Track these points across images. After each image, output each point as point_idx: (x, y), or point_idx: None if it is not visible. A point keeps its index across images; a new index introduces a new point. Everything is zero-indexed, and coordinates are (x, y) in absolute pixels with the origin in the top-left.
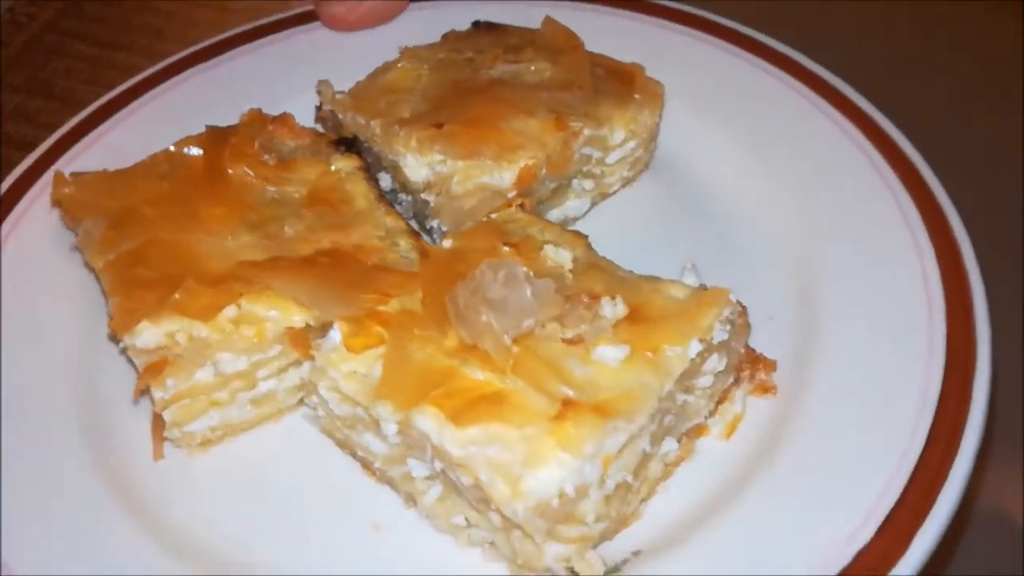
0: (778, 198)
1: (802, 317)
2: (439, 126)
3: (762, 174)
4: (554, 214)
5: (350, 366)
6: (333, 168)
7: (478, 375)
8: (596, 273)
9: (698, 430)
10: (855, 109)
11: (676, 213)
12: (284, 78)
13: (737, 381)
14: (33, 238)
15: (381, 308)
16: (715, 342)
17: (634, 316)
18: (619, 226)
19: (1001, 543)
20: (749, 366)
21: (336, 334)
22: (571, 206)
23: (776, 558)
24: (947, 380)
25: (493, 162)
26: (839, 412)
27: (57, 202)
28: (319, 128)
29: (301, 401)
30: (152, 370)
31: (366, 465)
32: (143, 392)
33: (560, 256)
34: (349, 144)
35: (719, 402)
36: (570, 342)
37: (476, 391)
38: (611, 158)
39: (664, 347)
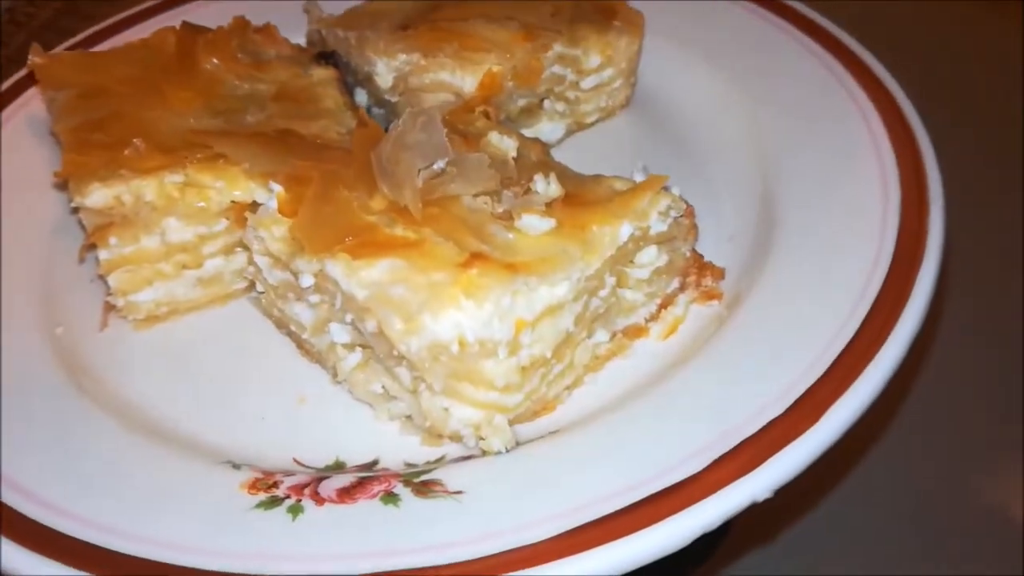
0: (752, 133)
1: (760, 236)
2: (404, 28)
3: (741, 112)
4: (527, 134)
5: (282, 230)
6: (310, 76)
7: (397, 231)
8: (543, 168)
9: (636, 330)
10: (832, 40)
11: (651, 147)
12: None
13: (683, 287)
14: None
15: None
16: (652, 232)
17: (569, 200)
18: (592, 156)
19: (1001, 543)
20: (695, 272)
21: (272, 202)
22: (544, 129)
23: (686, 435)
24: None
25: (453, 61)
26: (775, 311)
27: (30, 70)
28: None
29: (251, 288)
30: (99, 231)
31: (299, 343)
32: (89, 249)
33: (504, 144)
34: (328, 57)
35: (662, 306)
36: (499, 216)
37: (391, 240)
38: (586, 83)
39: (592, 226)
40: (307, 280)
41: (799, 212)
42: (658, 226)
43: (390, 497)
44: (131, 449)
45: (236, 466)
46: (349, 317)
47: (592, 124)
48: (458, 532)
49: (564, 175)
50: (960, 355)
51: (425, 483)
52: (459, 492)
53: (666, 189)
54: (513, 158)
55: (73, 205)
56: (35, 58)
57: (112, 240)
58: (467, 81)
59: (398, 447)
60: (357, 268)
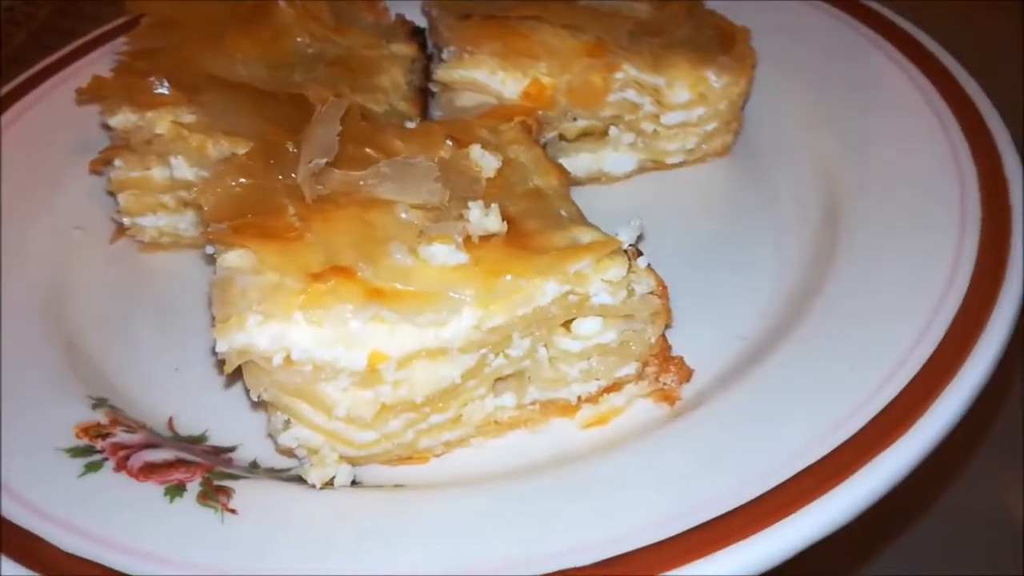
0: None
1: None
2: (466, 17)
3: (844, 192)
4: (585, 160)
5: None
6: (387, 49)
7: (296, 221)
8: (528, 198)
9: (560, 407)
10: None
11: (726, 207)
12: None
13: (639, 375)
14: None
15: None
16: (594, 302)
17: (513, 240)
18: (659, 201)
19: (1001, 543)
20: (657, 363)
21: None
22: (609, 159)
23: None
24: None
25: (495, 61)
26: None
27: None
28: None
29: None
30: (111, 149)
31: None
32: (104, 164)
33: (484, 161)
34: (420, 34)
35: (606, 390)
36: (419, 235)
37: (274, 229)
38: (669, 118)
39: (508, 275)
40: (209, 248)
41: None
42: (603, 297)
43: (175, 489)
44: (18, 355)
45: (99, 405)
46: None
47: (675, 166)
48: (171, 544)
49: (539, 213)
50: None
51: (218, 488)
52: (233, 511)
53: (634, 258)
54: (490, 179)
55: (102, 122)
56: None
57: (116, 162)
58: (509, 86)
59: (263, 443)
60: (225, 244)
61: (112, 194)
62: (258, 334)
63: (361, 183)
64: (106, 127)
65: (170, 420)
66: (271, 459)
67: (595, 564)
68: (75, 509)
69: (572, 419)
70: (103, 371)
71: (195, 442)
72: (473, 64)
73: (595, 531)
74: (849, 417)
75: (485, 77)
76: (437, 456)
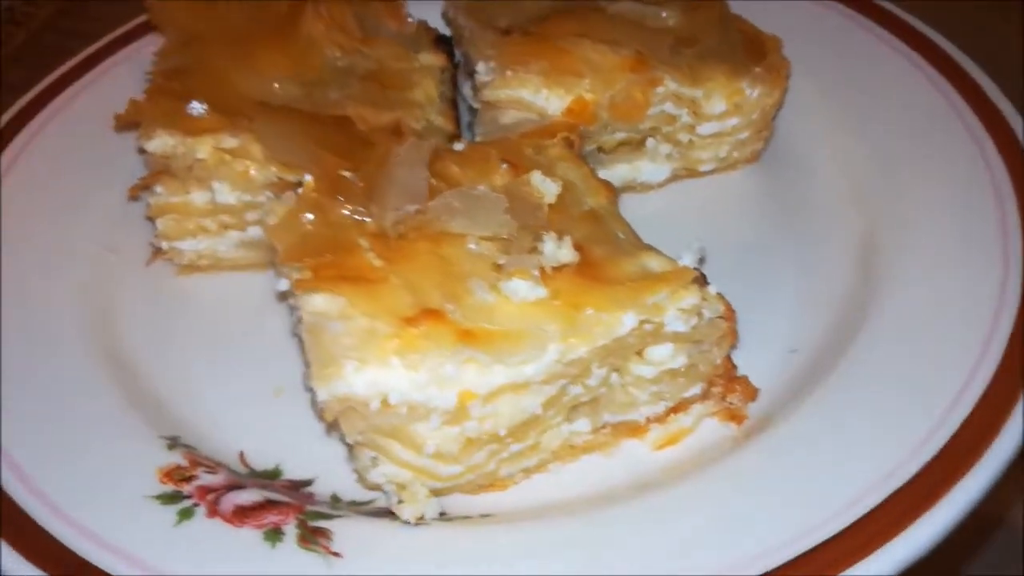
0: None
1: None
2: (507, 32)
3: (881, 199)
4: (622, 171)
5: None
6: (416, 60)
7: (373, 259)
8: (587, 222)
9: (631, 428)
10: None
11: (760, 214)
12: None
13: (704, 395)
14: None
15: (343, 173)
16: (668, 330)
17: (585, 270)
18: (688, 211)
19: (1001, 543)
20: (723, 383)
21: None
22: (645, 169)
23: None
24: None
25: (539, 79)
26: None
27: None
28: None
29: None
30: (152, 176)
31: None
32: (143, 189)
33: (545, 187)
34: (446, 43)
35: (673, 410)
36: (498, 269)
37: (355, 270)
38: (704, 129)
39: (589, 308)
40: (282, 284)
41: (887, 342)
42: (676, 324)
43: (273, 534)
44: (82, 398)
45: (173, 445)
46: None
47: (706, 173)
48: None
49: (601, 237)
50: None
51: (315, 531)
52: (337, 555)
53: (703, 284)
54: (550, 204)
55: (139, 147)
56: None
57: (158, 188)
58: (552, 103)
59: (338, 473)
60: (312, 289)
61: (150, 219)
62: (356, 381)
63: (437, 215)
64: (142, 151)
65: (241, 454)
66: (350, 490)
67: None
68: (180, 561)
69: (643, 440)
70: (167, 406)
71: (271, 477)
72: (519, 83)
73: (682, 559)
74: (929, 436)
75: (530, 95)
76: (516, 483)
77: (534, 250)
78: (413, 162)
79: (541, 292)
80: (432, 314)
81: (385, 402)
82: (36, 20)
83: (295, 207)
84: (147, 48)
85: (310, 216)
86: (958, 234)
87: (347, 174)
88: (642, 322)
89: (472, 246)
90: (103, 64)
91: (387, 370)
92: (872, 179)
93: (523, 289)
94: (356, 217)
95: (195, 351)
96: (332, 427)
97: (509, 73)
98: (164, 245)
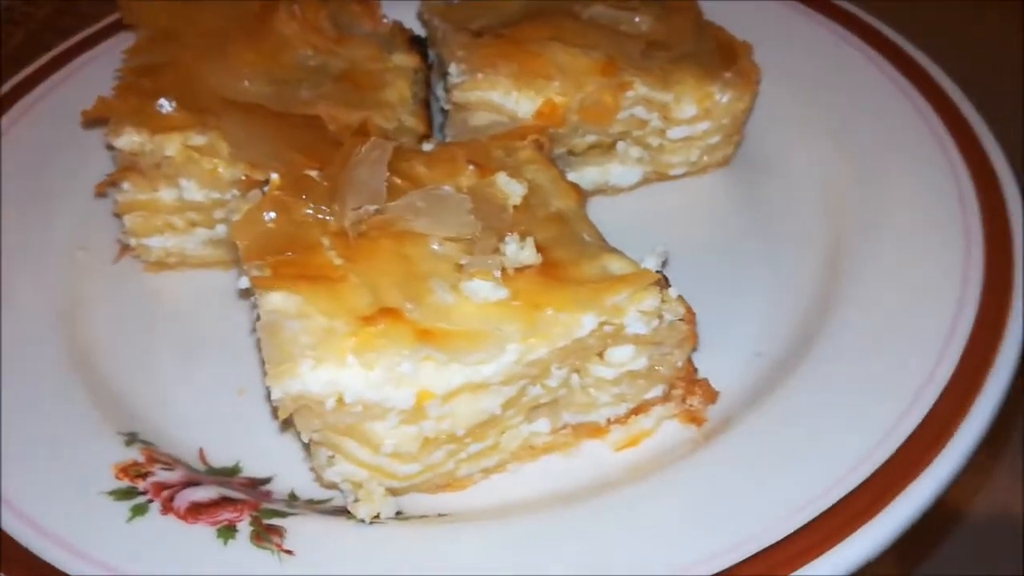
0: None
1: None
2: (479, 35)
3: (851, 204)
4: (591, 174)
5: None
6: (390, 61)
7: (334, 258)
8: (553, 224)
9: (591, 429)
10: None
11: (727, 217)
12: None
13: (665, 397)
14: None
15: (308, 172)
16: (628, 332)
17: (547, 271)
18: (657, 214)
19: (1001, 543)
20: (683, 386)
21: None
22: (615, 172)
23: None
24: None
25: (510, 82)
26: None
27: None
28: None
29: None
30: (119, 172)
31: None
32: (111, 186)
33: (511, 188)
34: (420, 44)
35: (634, 412)
36: (460, 269)
37: (315, 268)
38: (675, 133)
39: (549, 309)
40: (243, 282)
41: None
42: (637, 327)
43: (227, 531)
44: (41, 392)
45: (131, 441)
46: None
47: (677, 177)
48: None
49: (566, 239)
50: None
51: (268, 528)
52: (289, 552)
53: (664, 287)
54: (516, 206)
55: (107, 143)
56: None
57: (125, 185)
58: (522, 106)
59: (297, 471)
60: (270, 287)
61: (118, 215)
62: (311, 379)
63: (400, 215)
64: (110, 147)
65: (201, 451)
66: (308, 488)
67: None
68: (131, 557)
69: (603, 441)
70: (128, 402)
71: (230, 474)
72: (489, 85)
73: (637, 558)
74: (885, 438)
75: (500, 98)
76: (475, 483)
77: (497, 251)
78: (373, 161)
79: (502, 293)
80: (390, 313)
81: (340, 400)
82: (35, 20)
83: (258, 205)
84: (120, 46)
85: (272, 214)
86: (922, 239)
87: (313, 173)
88: (602, 323)
89: (435, 246)
90: (75, 62)
91: (343, 369)
92: (840, 184)
93: (484, 290)
94: (319, 216)
95: (160, 348)
96: (286, 425)
97: (480, 75)
98: (132, 242)
